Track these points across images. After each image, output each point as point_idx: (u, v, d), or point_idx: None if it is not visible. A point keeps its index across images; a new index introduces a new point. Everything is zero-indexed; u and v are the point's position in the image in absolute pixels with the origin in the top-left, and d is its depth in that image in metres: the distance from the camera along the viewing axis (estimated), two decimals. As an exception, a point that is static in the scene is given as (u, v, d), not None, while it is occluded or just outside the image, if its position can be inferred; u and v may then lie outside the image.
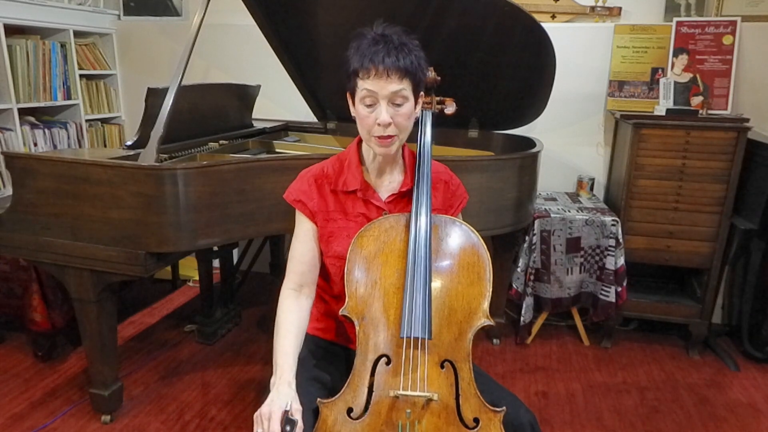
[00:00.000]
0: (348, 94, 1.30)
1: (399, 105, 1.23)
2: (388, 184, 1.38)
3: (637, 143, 2.50)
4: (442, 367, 1.16)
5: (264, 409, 1.11)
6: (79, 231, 1.87)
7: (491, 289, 1.24)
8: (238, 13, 2.58)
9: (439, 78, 1.46)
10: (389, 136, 1.24)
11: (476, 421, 1.13)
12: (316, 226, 1.37)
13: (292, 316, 1.30)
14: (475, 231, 1.30)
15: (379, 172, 1.37)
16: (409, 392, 1.12)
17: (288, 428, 1.07)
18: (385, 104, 1.22)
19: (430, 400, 1.12)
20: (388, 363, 1.16)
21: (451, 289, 1.23)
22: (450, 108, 1.47)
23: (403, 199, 1.37)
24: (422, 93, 1.32)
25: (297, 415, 1.11)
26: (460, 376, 1.16)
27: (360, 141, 1.38)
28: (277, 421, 1.08)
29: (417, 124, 1.42)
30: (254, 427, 1.11)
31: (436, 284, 1.23)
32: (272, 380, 1.20)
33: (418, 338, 1.16)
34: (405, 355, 1.15)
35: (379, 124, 1.22)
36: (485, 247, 1.28)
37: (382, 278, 1.23)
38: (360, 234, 1.28)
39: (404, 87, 1.21)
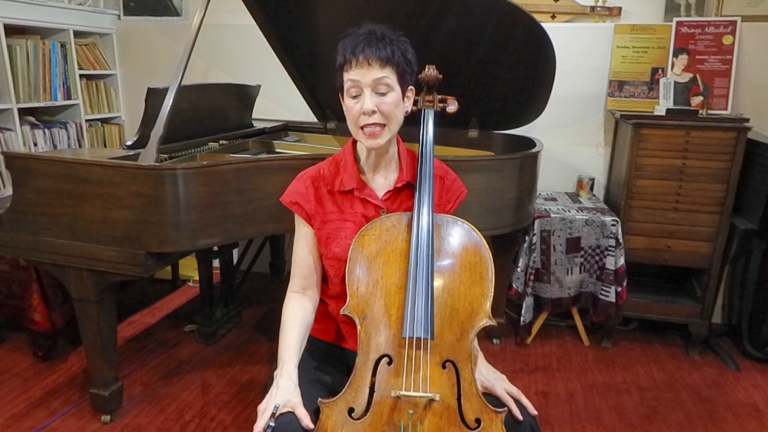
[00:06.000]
0: (340, 95, 1.32)
1: (383, 94, 1.25)
2: (384, 182, 1.39)
3: (637, 143, 2.50)
4: (443, 367, 1.16)
5: (262, 404, 1.15)
6: (79, 231, 1.87)
7: (493, 290, 1.23)
8: (238, 13, 2.57)
9: (440, 76, 1.45)
10: (376, 125, 1.26)
11: (478, 421, 1.13)
12: (313, 229, 1.38)
13: (296, 313, 1.34)
14: (477, 231, 1.29)
15: (374, 169, 1.38)
16: (411, 393, 1.12)
17: (269, 426, 1.07)
18: (369, 92, 1.24)
19: (431, 400, 1.12)
20: (389, 363, 1.16)
21: (453, 289, 1.23)
22: (452, 106, 1.47)
23: (399, 195, 1.38)
24: (412, 87, 1.33)
25: (299, 409, 1.13)
26: (461, 377, 1.16)
27: (355, 141, 1.39)
28: (266, 419, 1.09)
29: (419, 123, 1.42)
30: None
31: (438, 284, 1.22)
32: (275, 372, 1.23)
33: (420, 338, 1.16)
34: (407, 356, 1.15)
35: (364, 113, 1.24)
36: (487, 247, 1.28)
37: (384, 278, 1.23)
38: (361, 233, 1.28)
39: (386, 75, 1.24)
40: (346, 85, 1.27)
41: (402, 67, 1.26)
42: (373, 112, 1.24)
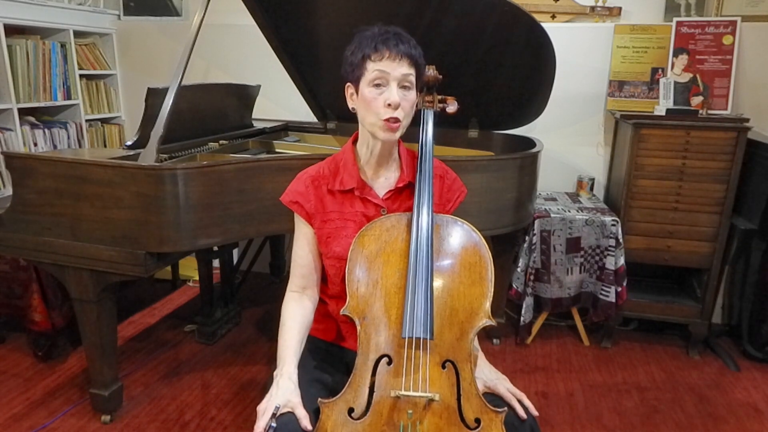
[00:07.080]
0: (348, 87, 1.31)
1: (408, 89, 1.26)
2: (385, 181, 1.38)
3: (637, 143, 2.50)
4: (443, 367, 1.16)
5: (262, 405, 1.15)
6: (79, 231, 1.87)
7: (493, 289, 1.23)
8: (238, 13, 2.57)
9: (440, 76, 1.45)
10: (396, 120, 1.25)
11: (477, 421, 1.13)
12: (313, 228, 1.38)
13: (295, 313, 1.34)
14: (477, 230, 1.29)
15: (375, 169, 1.38)
16: (410, 392, 1.12)
17: (270, 426, 1.08)
18: (395, 86, 1.24)
19: (431, 400, 1.11)
20: (389, 363, 1.16)
21: (452, 289, 1.23)
22: (452, 107, 1.47)
23: (400, 195, 1.38)
24: (417, 92, 1.33)
25: (298, 410, 1.13)
26: (461, 377, 1.16)
27: (355, 140, 1.39)
28: (266, 419, 1.09)
29: (418, 123, 1.42)
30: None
31: (438, 284, 1.22)
32: (275, 372, 1.23)
33: (419, 338, 1.16)
34: (406, 355, 1.15)
35: (389, 105, 1.23)
36: (487, 246, 1.28)
37: (384, 278, 1.23)
38: (361, 233, 1.28)
39: (412, 73, 1.26)
40: (370, 75, 1.24)
41: (420, 71, 1.29)
42: (398, 105, 1.24)
